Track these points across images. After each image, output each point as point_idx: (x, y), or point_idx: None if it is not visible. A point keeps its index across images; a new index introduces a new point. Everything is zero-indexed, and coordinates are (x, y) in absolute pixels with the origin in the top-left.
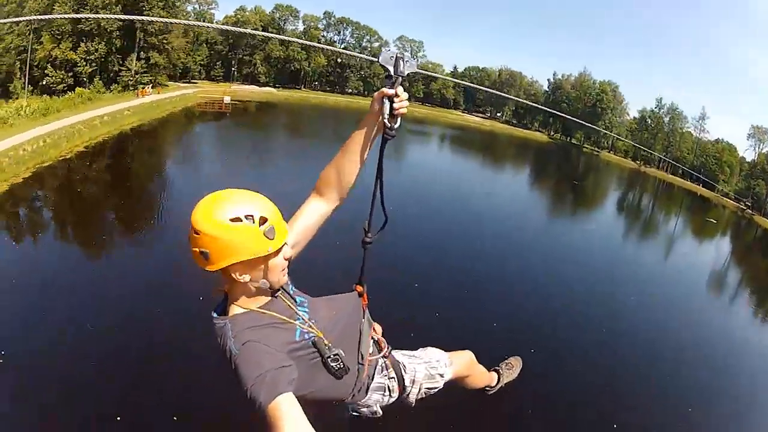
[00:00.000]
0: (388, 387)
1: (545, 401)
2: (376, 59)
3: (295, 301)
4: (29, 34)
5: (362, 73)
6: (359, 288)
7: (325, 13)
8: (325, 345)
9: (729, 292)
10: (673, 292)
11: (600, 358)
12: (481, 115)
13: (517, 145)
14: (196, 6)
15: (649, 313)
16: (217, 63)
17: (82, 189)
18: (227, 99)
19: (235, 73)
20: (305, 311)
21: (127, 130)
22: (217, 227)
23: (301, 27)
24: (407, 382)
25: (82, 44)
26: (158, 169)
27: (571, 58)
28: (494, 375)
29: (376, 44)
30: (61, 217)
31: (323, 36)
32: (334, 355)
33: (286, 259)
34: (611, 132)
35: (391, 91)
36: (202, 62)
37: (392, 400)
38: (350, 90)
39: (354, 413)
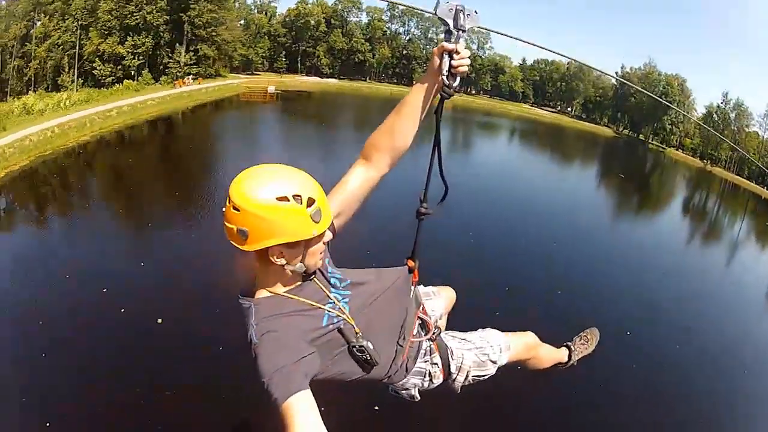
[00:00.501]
0: (430, 373)
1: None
2: (433, 12)
3: (330, 283)
4: (77, 30)
5: (428, 65)
6: (411, 263)
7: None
8: (355, 333)
9: None
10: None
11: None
12: (550, 109)
13: (579, 138)
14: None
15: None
16: (281, 55)
17: (75, 180)
18: (272, 89)
19: (299, 65)
20: (339, 293)
21: (143, 120)
22: (262, 206)
23: (365, 18)
24: (453, 369)
25: (129, 38)
26: (155, 163)
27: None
28: (564, 351)
29: (442, 36)
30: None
31: (388, 28)
32: (360, 346)
33: (325, 243)
34: (677, 126)
35: (452, 46)
36: (264, 54)
37: (434, 385)
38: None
39: (393, 393)
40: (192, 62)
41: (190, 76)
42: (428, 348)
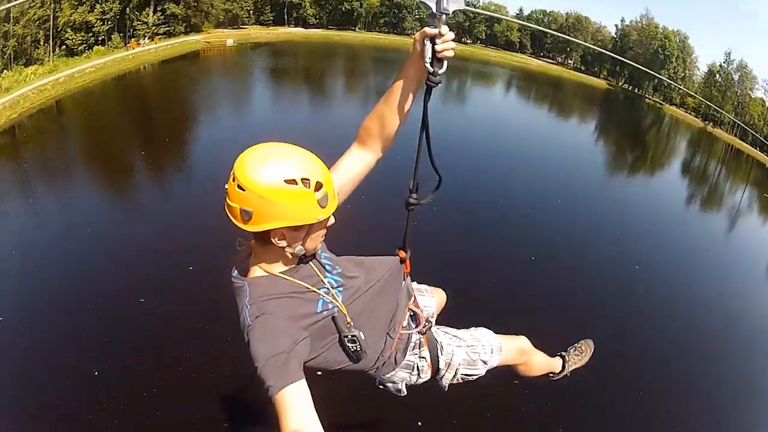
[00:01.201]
0: (418, 367)
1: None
2: None
3: (324, 268)
4: (50, 4)
5: (418, 13)
6: (402, 253)
7: None
8: (347, 323)
9: None
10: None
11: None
12: (549, 60)
13: (564, 88)
14: None
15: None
16: (266, 7)
17: None
18: (230, 42)
19: (286, 17)
20: (332, 279)
21: (71, 92)
22: (269, 187)
23: None
24: (441, 365)
25: (98, 5)
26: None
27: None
28: (558, 361)
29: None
30: None
31: None
32: (352, 336)
33: (327, 228)
34: (676, 83)
35: (434, 31)
36: (248, 8)
37: (422, 380)
38: (408, 31)
39: (380, 386)
40: (160, 22)
41: (145, 37)
42: (418, 341)
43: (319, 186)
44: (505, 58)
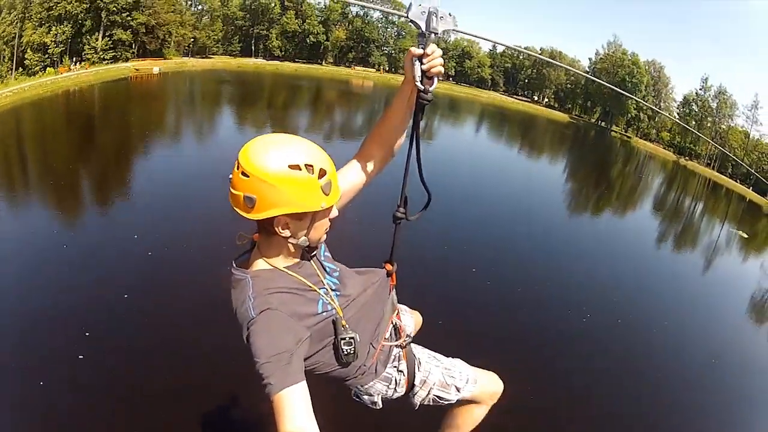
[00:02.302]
0: (395, 380)
1: None
2: (405, 15)
3: (324, 269)
4: (17, 24)
5: (386, 48)
6: (389, 266)
7: None
8: (343, 325)
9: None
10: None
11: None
12: (520, 98)
13: (532, 123)
14: None
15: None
16: (234, 38)
17: None
18: (156, 69)
19: (253, 48)
20: (331, 281)
21: None
22: (273, 172)
23: (323, 1)
24: (417, 381)
25: (54, 28)
26: None
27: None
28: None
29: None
30: None
31: (348, 10)
32: (350, 338)
33: (331, 220)
34: (649, 106)
35: (419, 51)
36: (215, 37)
37: (396, 395)
38: (375, 66)
39: (355, 398)
40: (108, 47)
41: (77, 62)
42: (397, 355)
43: (322, 173)
44: (477, 95)
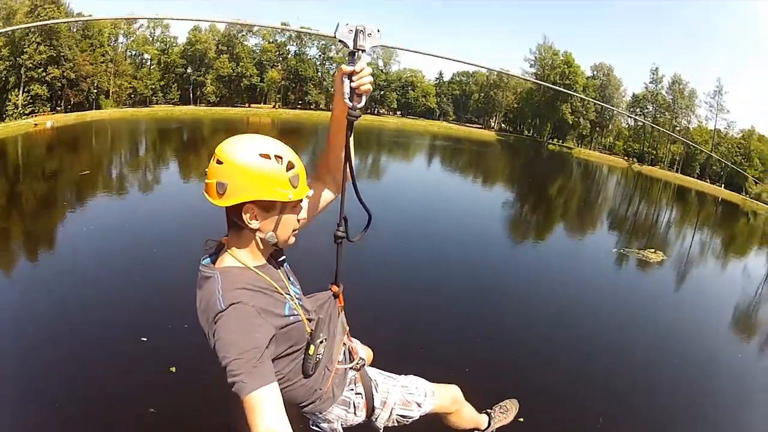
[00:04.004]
0: (354, 403)
1: None
2: (333, 35)
3: (289, 279)
4: None
5: (324, 86)
6: (335, 288)
7: (282, 24)
8: (307, 332)
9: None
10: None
11: None
12: (472, 125)
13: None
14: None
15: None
16: (173, 85)
17: None
18: (49, 124)
19: (191, 95)
20: (296, 291)
21: None
22: (244, 159)
23: (259, 42)
24: (377, 403)
25: None
26: None
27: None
28: (485, 418)
29: (342, 54)
30: None
31: (286, 49)
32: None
33: (298, 221)
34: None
35: (349, 68)
36: (153, 86)
37: (357, 420)
38: (311, 105)
39: (314, 427)
40: (27, 102)
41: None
42: (353, 378)
43: (291, 165)
44: (426, 126)
